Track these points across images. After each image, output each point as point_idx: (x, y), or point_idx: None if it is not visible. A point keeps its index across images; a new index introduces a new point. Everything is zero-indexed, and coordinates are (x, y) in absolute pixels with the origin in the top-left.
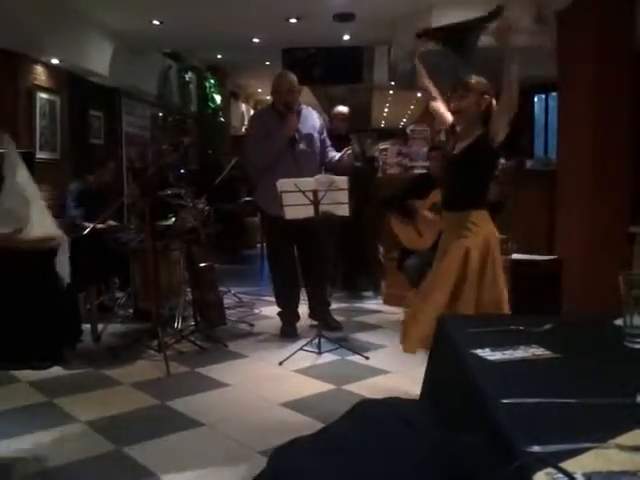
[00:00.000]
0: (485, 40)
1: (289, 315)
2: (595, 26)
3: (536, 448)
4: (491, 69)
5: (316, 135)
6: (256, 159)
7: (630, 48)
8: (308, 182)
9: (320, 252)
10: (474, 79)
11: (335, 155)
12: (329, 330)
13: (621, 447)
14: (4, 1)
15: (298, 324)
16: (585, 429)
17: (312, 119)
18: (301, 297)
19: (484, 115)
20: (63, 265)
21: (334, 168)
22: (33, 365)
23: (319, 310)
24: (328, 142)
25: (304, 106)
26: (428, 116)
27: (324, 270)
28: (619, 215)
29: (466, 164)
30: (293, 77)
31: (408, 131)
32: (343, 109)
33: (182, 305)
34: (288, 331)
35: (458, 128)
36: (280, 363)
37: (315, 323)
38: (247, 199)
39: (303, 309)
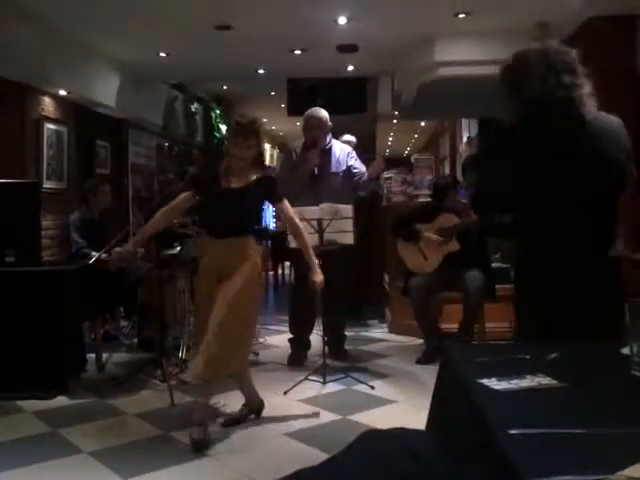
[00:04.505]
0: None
1: (301, 342)
2: (598, 54)
3: None
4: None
5: (341, 173)
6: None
7: (632, 76)
8: (313, 211)
9: (343, 284)
10: None
11: (363, 174)
12: (335, 359)
13: (630, 479)
14: (12, 34)
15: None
16: (593, 460)
17: (342, 155)
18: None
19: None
20: None
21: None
22: (37, 395)
23: (335, 342)
24: (357, 166)
25: (335, 142)
26: (432, 145)
27: (344, 302)
28: (626, 244)
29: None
30: (323, 114)
31: (412, 160)
32: (351, 138)
33: (186, 334)
34: (297, 357)
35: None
36: (285, 393)
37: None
38: None
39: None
